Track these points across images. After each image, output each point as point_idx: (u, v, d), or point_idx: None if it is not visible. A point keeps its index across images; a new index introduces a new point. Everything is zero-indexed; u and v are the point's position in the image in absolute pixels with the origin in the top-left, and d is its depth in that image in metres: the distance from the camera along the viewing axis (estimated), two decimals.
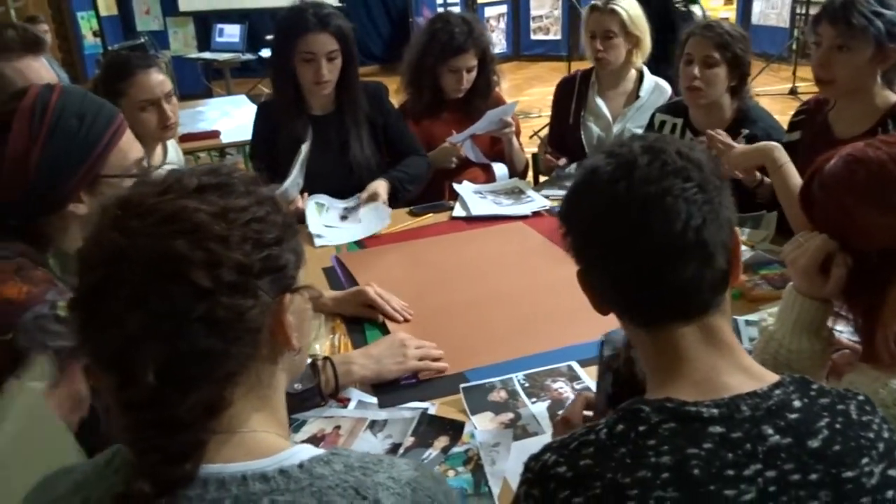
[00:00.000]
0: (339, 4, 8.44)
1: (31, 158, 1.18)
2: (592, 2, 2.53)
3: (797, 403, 0.79)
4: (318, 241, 2.12)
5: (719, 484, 0.74)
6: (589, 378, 1.37)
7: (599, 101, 2.62)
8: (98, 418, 1.10)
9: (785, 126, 2.06)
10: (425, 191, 2.55)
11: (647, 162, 0.81)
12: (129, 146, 1.29)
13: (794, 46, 7.19)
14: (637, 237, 0.80)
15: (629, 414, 0.80)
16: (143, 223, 0.66)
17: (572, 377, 1.39)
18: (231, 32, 6.31)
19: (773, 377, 0.83)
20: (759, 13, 8.17)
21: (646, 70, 2.62)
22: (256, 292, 0.69)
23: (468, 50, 2.48)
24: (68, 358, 1.22)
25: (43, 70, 1.74)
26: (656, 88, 2.60)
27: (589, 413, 1.11)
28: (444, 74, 2.54)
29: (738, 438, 0.76)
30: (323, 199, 2.31)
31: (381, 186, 2.31)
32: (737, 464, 0.75)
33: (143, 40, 5.82)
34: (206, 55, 6.49)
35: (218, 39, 6.32)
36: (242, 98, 4.69)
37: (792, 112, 2.03)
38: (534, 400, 1.33)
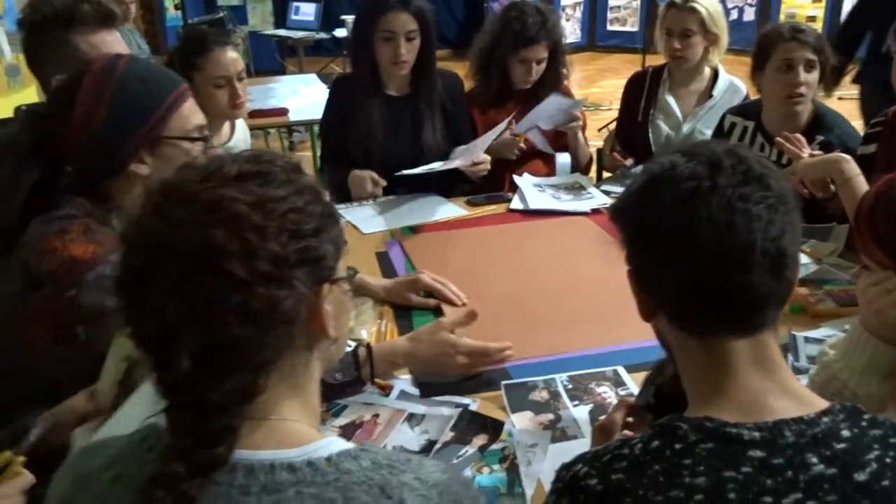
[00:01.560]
0: None
1: (97, 116, 1.24)
2: None
3: (846, 433, 0.76)
4: (365, 229, 2.14)
5: None
6: (635, 385, 1.35)
7: (670, 99, 2.56)
8: None
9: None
10: (485, 181, 2.53)
11: (731, 164, 0.79)
12: (192, 112, 1.34)
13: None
14: (716, 238, 0.77)
15: (666, 430, 0.78)
16: (183, 211, 0.67)
17: (617, 382, 1.36)
18: (307, 11, 6.39)
19: (823, 403, 0.79)
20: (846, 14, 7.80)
21: (721, 68, 2.54)
22: (292, 283, 0.69)
23: (540, 41, 2.45)
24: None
25: (116, 44, 1.76)
26: (730, 88, 2.52)
27: (629, 419, 1.09)
28: (514, 64, 2.51)
29: (780, 465, 0.73)
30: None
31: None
32: (776, 491, 0.72)
33: (221, 15, 5.95)
34: (282, 32, 6.59)
35: (294, 17, 6.42)
36: (313, 77, 4.75)
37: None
38: (576, 403, 1.31)
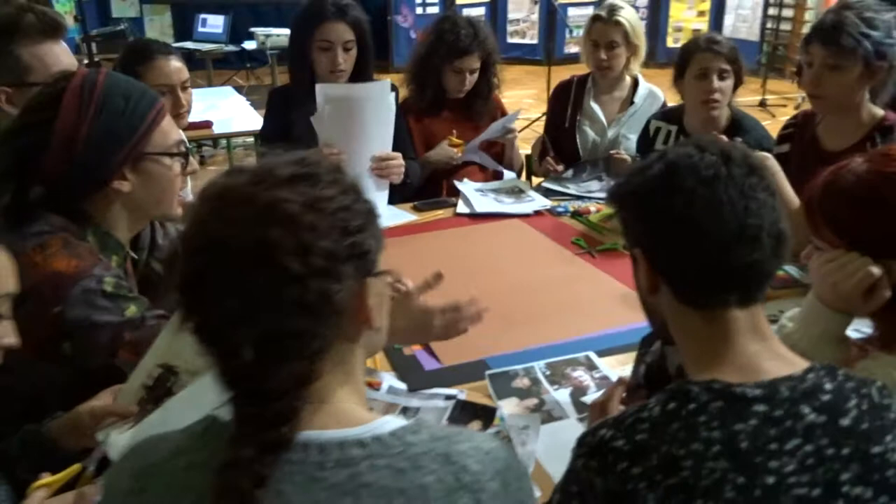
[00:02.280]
0: None
1: (79, 133, 1.23)
2: (595, 12, 2.63)
3: (828, 386, 0.88)
4: None
5: (764, 456, 0.82)
6: (607, 367, 1.46)
7: (595, 106, 2.72)
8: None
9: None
10: (423, 188, 2.62)
11: (738, 157, 0.90)
12: (171, 127, 1.35)
13: (764, 60, 7.44)
14: (736, 219, 0.87)
15: (679, 394, 0.88)
16: (241, 212, 0.71)
17: (590, 366, 1.48)
18: (214, 23, 6.28)
19: (805, 363, 0.92)
20: (730, 26, 8.41)
21: (640, 77, 2.73)
22: (342, 277, 0.74)
23: (473, 52, 2.55)
24: (115, 333, 1.27)
25: (63, 55, 1.73)
26: (650, 95, 2.71)
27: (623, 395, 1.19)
28: (448, 74, 2.60)
29: (780, 416, 0.85)
30: None
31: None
32: (779, 439, 0.83)
33: (122, 27, 5.76)
34: (189, 44, 6.44)
35: (201, 30, 6.29)
36: (229, 89, 4.69)
37: (765, 124, 2.15)
38: (556, 387, 1.41)
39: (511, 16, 9.35)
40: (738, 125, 2.22)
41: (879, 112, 1.84)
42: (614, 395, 1.17)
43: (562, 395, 1.38)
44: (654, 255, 0.95)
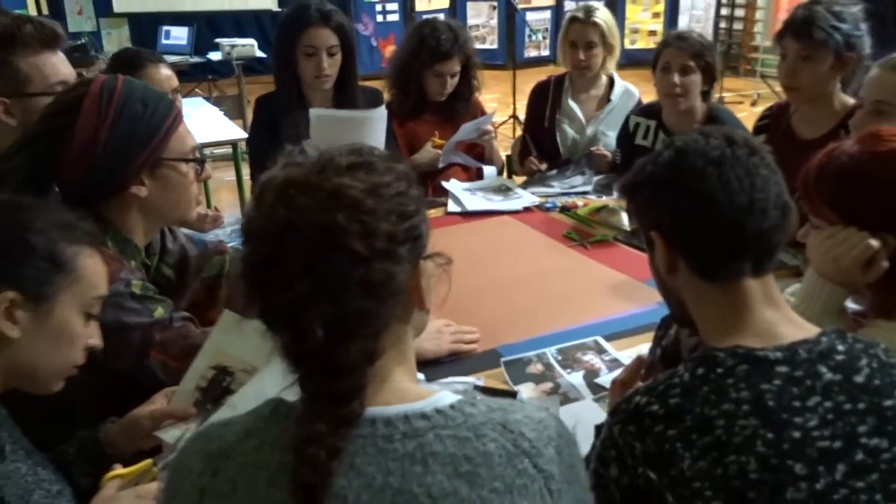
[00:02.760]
0: (279, 10, 8.46)
1: (98, 139, 1.25)
2: (572, 13, 2.71)
3: (841, 347, 0.96)
4: None
5: (789, 413, 0.89)
6: (615, 351, 1.53)
7: (573, 105, 2.81)
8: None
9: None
10: None
11: (741, 140, 0.99)
12: (186, 133, 1.38)
13: (719, 59, 7.65)
14: (746, 192, 0.95)
15: (706, 360, 0.95)
16: (308, 199, 0.75)
17: (600, 350, 1.54)
18: (178, 35, 6.23)
19: (816, 329, 0.99)
20: (684, 27, 8.63)
21: (616, 75, 2.82)
22: (400, 259, 0.78)
23: (453, 56, 2.61)
24: (146, 333, 1.29)
25: (60, 65, 1.73)
26: (626, 92, 2.81)
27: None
28: (429, 78, 2.65)
29: (800, 376, 0.92)
30: None
31: None
32: (801, 397, 0.91)
33: (83, 41, 5.68)
34: None
35: (164, 42, 6.24)
36: (199, 100, 4.67)
37: None
38: (568, 371, 1.47)
39: (471, 21, 9.45)
40: (715, 118, 2.32)
41: (850, 101, 1.95)
42: (634, 372, 1.23)
43: (575, 378, 1.44)
44: (671, 233, 1.02)
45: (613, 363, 1.49)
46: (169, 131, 1.33)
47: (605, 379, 1.43)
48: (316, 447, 0.71)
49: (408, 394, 0.80)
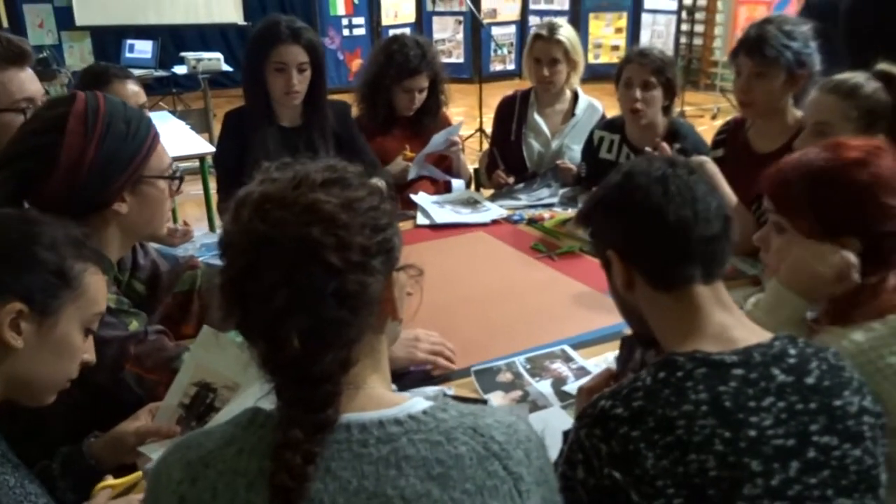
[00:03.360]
0: (245, 23, 8.45)
1: (86, 157, 1.27)
2: (536, 31, 2.78)
3: (792, 351, 1.01)
4: None
5: (745, 413, 0.94)
6: (582, 359, 1.58)
7: (539, 119, 2.87)
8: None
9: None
10: None
11: (680, 162, 1.09)
12: (164, 151, 1.40)
13: (680, 73, 7.84)
14: (689, 204, 1.03)
15: (667, 365, 1.00)
16: (284, 213, 0.78)
17: (567, 358, 1.59)
18: (143, 48, 6.20)
19: (768, 333, 1.05)
20: (646, 42, 8.83)
21: (580, 90, 2.90)
22: (374, 270, 0.81)
23: (422, 72, 2.66)
24: (121, 347, 1.30)
25: (28, 82, 1.72)
26: (589, 107, 2.88)
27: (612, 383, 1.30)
28: (398, 93, 2.70)
29: (755, 378, 0.97)
30: None
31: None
32: (756, 397, 0.96)
33: (45, 55, 5.62)
34: None
35: (128, 55, 6.20)
36: (165, 114, 4.66)
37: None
38: (537, 379, 1.51)
39: (437, 35, 9.54)
40: (676, 132, 2.40)
41: (802, 115, 2.04)
42: (602, 381, 1.27)
43: (543, 387, 1.48)
44: (625, 250, 1.09)
45: (580, 371, 1.53)
46: (150, 149, 1.35)
47: (573, 387, 1.47)
48: (292, 452, 0.74)
49: (382, 400, 0.83)
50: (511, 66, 9.66)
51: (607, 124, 2.61)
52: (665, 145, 2.17)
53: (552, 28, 2.73)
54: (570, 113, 2.87)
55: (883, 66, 1.62)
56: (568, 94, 2.89)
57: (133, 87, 2.17)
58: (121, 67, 2.25)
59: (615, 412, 0.97)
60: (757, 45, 1.94)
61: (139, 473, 1.14)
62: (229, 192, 2.53)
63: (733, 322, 1.05)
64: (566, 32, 2.74)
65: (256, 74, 2.36)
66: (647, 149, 2.18)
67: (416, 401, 0.84)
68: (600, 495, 0.95)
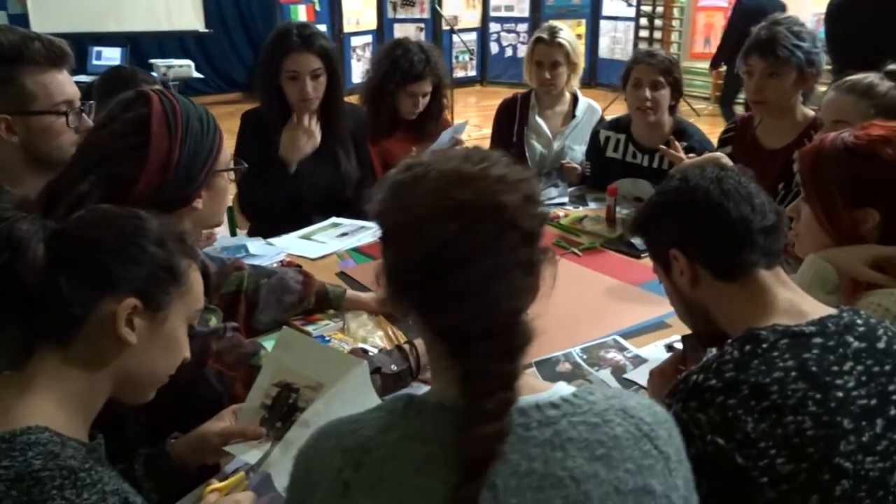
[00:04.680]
0: (206, 31, 8.37)
1: (172, 157, 1.28)
2: (538, 34, 2.86)
3: (859, 321, 1.10)
4: (312, 255, 2.24)
5: (831, 377, 1.03)
6: (634, 347, 1.64)
7: (540, 121, 2.95)
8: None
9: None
10: None
11: (728, 164, 1.20)
12: (225, 145, 1.42)
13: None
14: (748, 199, 1.14)
15: (750, 338, 1.07)
16: (480, 184, 0.80)
17: (620, 348, 1.65)
18: (111, 56, 6.10)
19: (831, 308, 1.14)
20: (605, 48, 9.06)
21: (578, 92, 2.99)
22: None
23: (426, 77, 2.70)
24: (204, 343, 1.32)
25: (66, 84, 1.70)
26: (589, 108, 2.98)
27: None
28: (402, 98, 2.73)
29: (833, 345, 1.06)
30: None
31: None
32: (837, 362, 1.04)
33: None
34: (83, 78, 6.20)
35: (95, 62, 6.08)
36: None
37: None
38: (596, 368, 1.57)
39: None
40: (683, 131, 2.51)
41: (811, 112, 2.17)
42: (673, 363, 1.35)
43: (605, 375, 1.54)
44: (690, 247, 1.18)
45: (636, 359, 1.60)
46: (220, 144, 1.37)
47: (633, 374, 1.53)
48: (492, 425, 0.76)
49: (532, 386, 0.84)
50: (472, 73, 9.78)
51: (612, 124, 2.71)
52: (678, 146, 2.27)
53: (553, 32, 2.82)
54: (571, 114, 2.96)
55: (893, 66, 1.75)
56: (568, 96, 2.98)
57: None
58: (146, 72, 2.25)
59: (709, 384, 1.04)
60: (769, 46, 2.06)
61: (242, 474, 1.16)
62: (252, 191, 2.50)
63: (799, 298, 1.14)
64: (567, 36, 2.82)
65: (270, 83, 2.37)
66: (662, 147, 2.29)
67: (562, 385, 0.85)
68: (705, 462, 1.00)
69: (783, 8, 5.35)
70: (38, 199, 1.15)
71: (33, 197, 1.68)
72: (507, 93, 3.21)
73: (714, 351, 1.10)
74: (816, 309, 1.12)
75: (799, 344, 1.05)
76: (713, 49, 7.69)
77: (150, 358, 1.01)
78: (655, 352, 1.62)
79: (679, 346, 1.60)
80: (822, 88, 2.15)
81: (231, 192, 1.51)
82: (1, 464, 0.82)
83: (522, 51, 9.58)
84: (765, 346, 1.06)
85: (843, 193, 1.32)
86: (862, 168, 1.31)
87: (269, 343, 1.43)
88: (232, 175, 1.46)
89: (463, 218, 0.79)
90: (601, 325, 1.73)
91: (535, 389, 0.83)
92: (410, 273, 0.82)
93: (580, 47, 2.90)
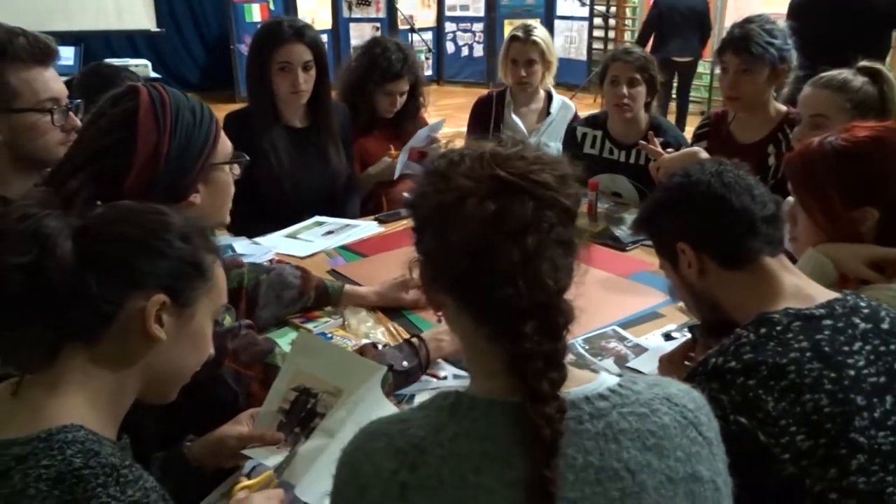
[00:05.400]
0: (158, 30, 8.20)
1: (161, 151, 1.25)
2: (513, 32, 2.90)
3: (862, 304, 1.16)
4: (300, 253, 2.23)
5: (843, 356, 1.08)
6: (633, 336, 1.68)
7: (516, 118, 2.99)
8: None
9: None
10: (365, 203, 2.76)
11: (725, 160, 1.26)
12: (224, 136, 1.39)
13: (595, 78, 8.21)
14: (748, 189, 1.19)
15: (764, 322, 1.12)
16: (522, 164, 0.82)
17: (620, 338, 1.69)
18: (65, 55, 5.91)
19: (834, 292, 1.20)
20: (560, 47, 9.16)
21: (553, 90, 3.04)
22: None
23: (403, 76, 2.72)
24: (220, 342, 1.31)
25: (52, 81, 1.65)
26: (563, 105, 3.03)
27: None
28: (379, 96, 2.75)
29: (842, 327, 1.11)
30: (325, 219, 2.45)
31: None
32: (847, 343, 1.09)
33: None
34: None
35: None
36: None
37: None
38: (599, 358, 1.60)
39: (354, 42, 9.50)
40: (658, 127, 2.57)
41: (783, 108, 2.25)
42: (682, 350, 1.39)
43: (608, 365, 1.57)
44: (696, 239, 1.22)
45: (637, 348, 1.63)
46: (216, 136, 1.34)
47: (636, 363, 1.57)
48: (550, 406, 0.76)
49: (577, 377, 0.83)
50: (429, 73, 9.79)
51: (589, 121, 2.76)
52: (655, 141, 2.33)
53: (528, 30, 2.86)
54: (546, 112, 3.01)
55: (865, 63, 1.83)
56: (542, 93, 3.03)
57: None
58: (127, 69, 2.20)
59: (729, 365, 1.09)
60: (743, 43, 2.13)
61: (271, 472, 1.15)
62: (239, 194, 2.47)
63: (804, 283, 1.20)
64: (541, 34, 2.87)
65: (261, 76, 2.35)
66: (642, 142, 2.35)
67: (605, 375, 0.85)
68: (728, 441, 1.02)
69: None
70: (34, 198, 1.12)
71: (18, 198, 1.65)
72: (463, 92, 3.27)
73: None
74: (822, 293, 1.18)
75: (811, 326, 1.11)
76: None
77: (178, 354, 0.99)
78: (654, 340, 1.66)
79: (677, 334, 1.66)
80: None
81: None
82: (40, 463, 0.80)
83: (478, 50, 9.68)
84: (779, 328, 1.11)
85: (840, 196, 1.38)
86: (855, 170, 1.37)
87: (281, 340, 1.43)
88: (237, 171, 1.43)
89: (505, 195, 0.80)
90: (600, 316, 1.76)
91: (580, 381, 0.83)
92: (453, 254, 0.82)
93: (553, 45, 2.94)
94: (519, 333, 0.78)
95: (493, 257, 0.79)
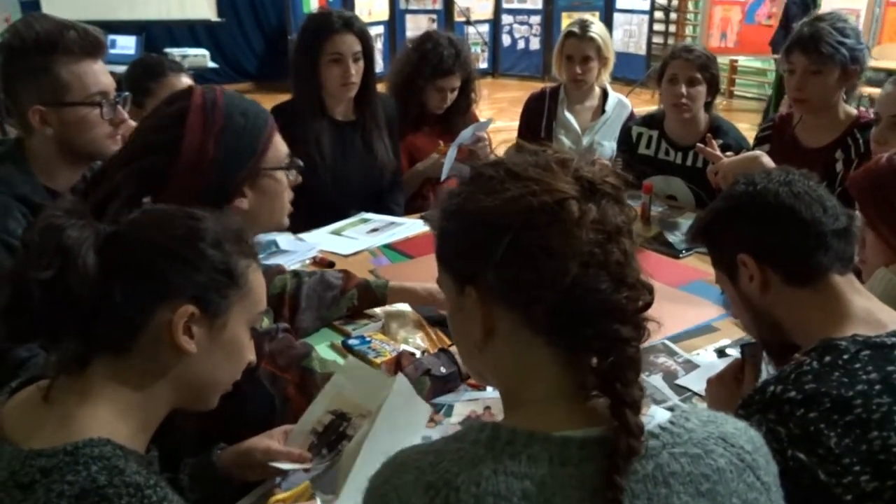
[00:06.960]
0: (218, 20, 8.32)
1: (206, 153, 1.24)
2: (568, 28, 2.82)
3: None
4: (343, 251, 2.21)
5: None
6: (683, 351, 1.60)
7: (569, 116, 2.91)
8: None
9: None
10: (411, 200, 2.73)
11: (795, 170, 1.17)
12: (280, 141, 1.37)
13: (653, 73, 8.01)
14: (819, 201, 1.11)
15: (829, 349, 1.04)
16: (591, 168, 0.79)
17: (671, 353, 1.60)
18: (126, 44, 6.06)
19: None
20: (618, 41, 8.97)
21: (609, 87, 2.95)
22: None
23: (455, 72, 2.67)
24: (258, 344, 1.29)
25: (101, 75, 1.67)
26: (619, 104, 2.94)
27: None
28: (430, 92, 2.70)
29: None
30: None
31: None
32: None
33: None
34: None
35: (111, 51, 6.03)
36: None
37: None
38: (647, 373, 1.52)
39: (409, 34, 9.52)
40: (718, 128, 2.47)
41: (853, 111, 2.13)
42: (730, 370, 1.29)
43: (656, 381, 1.50)
44: (759, 250, 1.14)
45: (687, 364, 1.55)
46: (268, 141, 1.32)
47: (686, 380, 1.49)
48: (635, 440, 0.71)
49: None
50: (484, 65, 9.71)
51: (645, 120, 2.67)
52: (714, 144, 2.23)
53: (584, 26, 2.78)
54: (601, 109, 2.92)
55: None
56: (597, 90, 2.94)
57: (187, 81, 2.14)
58: (173, 60, 2.21)
59: (788, 395, 1.01)
60: (812, 43, 2.02)
61: (307, 483, 1.13)
62: None
63: (876, 307, 1.11)
64: (598, 30, 2.78)
65: (309, 67, 2.33)
66: (699, 145, 2.24)
67: (657, 409, 0.80)
68: (785, 477, 0.96)
69: None
70: (78, 193, 1.12)
71: (67, 191, 1.67)
72: (518, 85, 3.20)
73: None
74: (893, 319, 1.09)
75: (881, 356, 1.02)
76: (729, 43, 7.65)
77: (211, 365, 0.96)
78: (706, 357, 1.58)
79: (732, 351, 1.57)
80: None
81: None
82: (65, 479, 0.79)
83: (535, 43, 9.56)
84: (845, 357, 1.03)
85: None
86: None
87: (318, 346, 1.40)
88: (293, 175, 1.40)
89: (597, 198, 0.78)
90: (656, 334, 1.69)
91: None
92: (558, 261, 0.76)
93: (611, 41, 2.85)
94: (618, 338, 0.75)
95: (606, 260, 0.76)
